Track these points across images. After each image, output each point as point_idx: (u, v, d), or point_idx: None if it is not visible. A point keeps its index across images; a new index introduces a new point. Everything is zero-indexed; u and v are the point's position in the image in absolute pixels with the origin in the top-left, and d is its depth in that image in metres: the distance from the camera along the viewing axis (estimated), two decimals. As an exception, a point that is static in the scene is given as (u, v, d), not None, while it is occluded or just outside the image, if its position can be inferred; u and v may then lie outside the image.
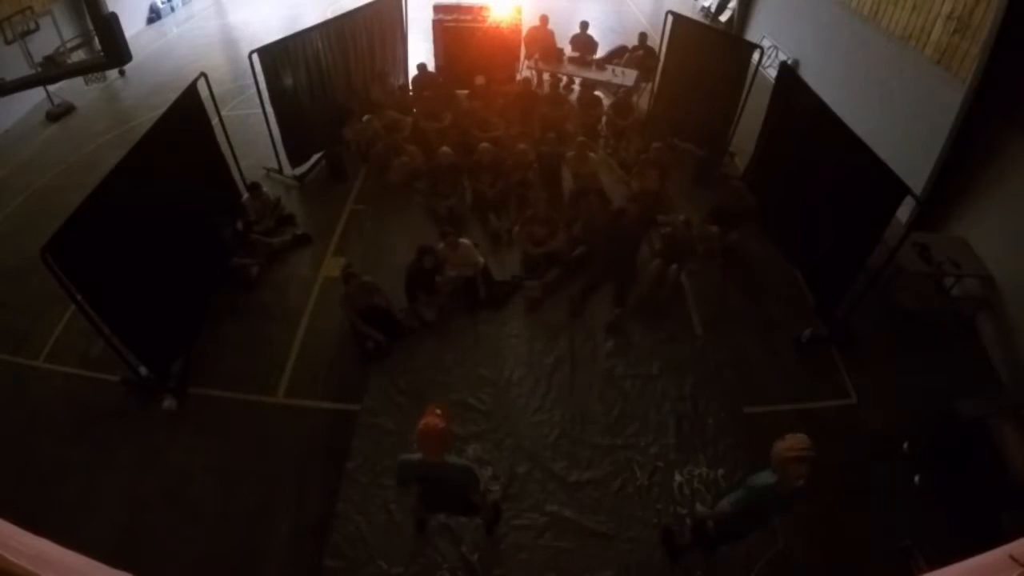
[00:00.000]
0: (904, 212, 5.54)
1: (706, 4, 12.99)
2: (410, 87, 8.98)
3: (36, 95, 9.10)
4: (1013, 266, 5.44)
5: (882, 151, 5.12)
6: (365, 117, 7.91)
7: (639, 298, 5.90)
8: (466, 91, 8.62)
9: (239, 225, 6.50)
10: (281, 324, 5.74)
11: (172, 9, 13.35)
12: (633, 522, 4.26)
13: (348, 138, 7.88)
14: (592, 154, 7.37)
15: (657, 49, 8.59)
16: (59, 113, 9.26)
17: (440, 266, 5.68)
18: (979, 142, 5.78)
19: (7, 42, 8.51)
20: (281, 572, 4.02)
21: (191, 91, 6.03)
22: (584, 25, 9.49)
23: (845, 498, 4.40)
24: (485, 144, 7.07)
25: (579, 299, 5.92)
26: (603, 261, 6.11)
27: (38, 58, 8.81)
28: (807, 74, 8.08)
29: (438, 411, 3.08)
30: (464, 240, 5.86)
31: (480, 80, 8.35)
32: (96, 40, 8.79)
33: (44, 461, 4.62)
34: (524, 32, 9.34)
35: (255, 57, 6.60)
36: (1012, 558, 1.66)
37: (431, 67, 9.10)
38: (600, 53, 9.70)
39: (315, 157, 7.90)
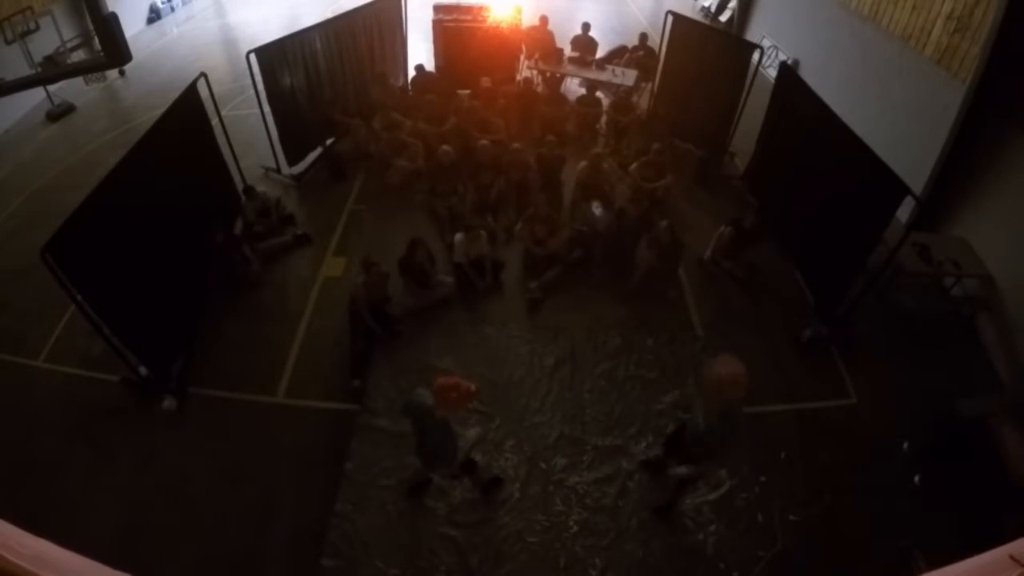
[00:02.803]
0: (904, 212, 5.54)
1: (706, 4, 12.99)
2: (410, 88, 8.99)
3: (36, 95, 9.10)
4: (1013, 266, 5.44)
5: (882, 151, 5.12)
6: (359, 121, 7.91)
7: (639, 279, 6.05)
8: (467, 91, 8.64)
9: (238, 227, 6.51)
10: (281, 324, 5.73)
11: (172, 9, 13.34)
12: (634, 523, 4.26)
13: (342, 150, 7.90)
14: (606, 165, 7.32)
15: (657, 49, 8.59)
16: (59, 113, 9.26)
17: (432, 259, 5.71)
18: (979, 142, 5.78)
19: (7, 42, 8.51)
20: (280, 572, 4.02)
21: (191, 91, 6.03)
22: (586, 27, 9.49)
23: (845, 498, 4.40)
24: (484, 142, 7.07)
25: (578, 299, 5.94)
26: (601, 259, 6.14)
27: (38, 58, 8.81)
28: (807, 74, 8.09)
29: (472, 387, 3.30)
30: (481, 231, 6.07)
31: (486, 82, 8.35)
32: (96, 40, 8.79)
33: (44, 461, 4.62)
34: (524, 32, 9.34)
35: (252, 57, 6.60)
36: (1012, 558, 1.66)
37: (431, 67, 9.11)
38: (600, 53, 9.70)
39: (313, 156, 7.90)
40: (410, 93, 8.84)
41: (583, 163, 7.00)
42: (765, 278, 6.24)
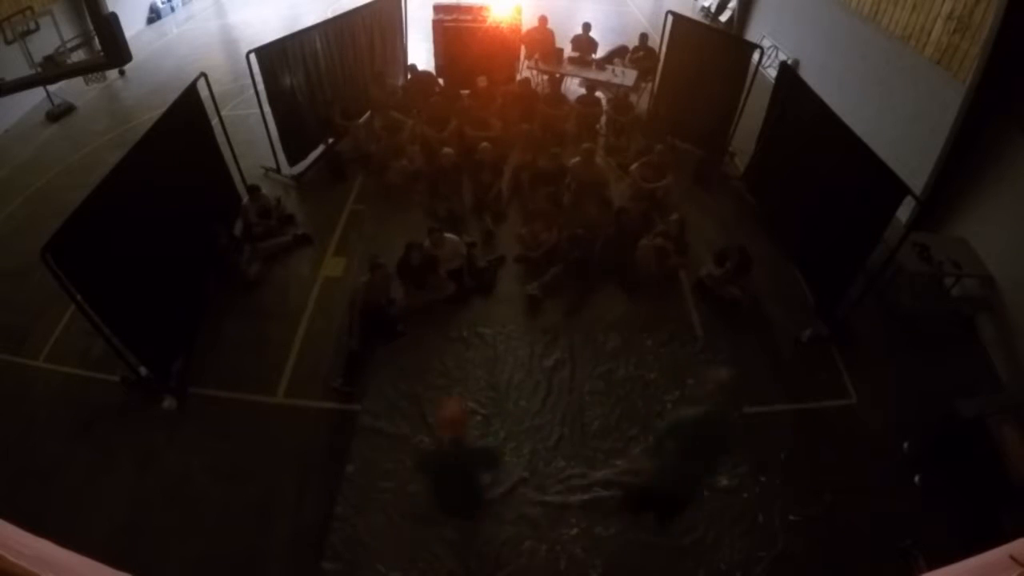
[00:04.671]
0: (904, 212, 5.54)
1: (706, 4, 12.99)
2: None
3: (36, 95, 9.09)
4: (1013, 266, 5.44)
5: (882, 151, 5.12)
6: (363, 118, 7.88)
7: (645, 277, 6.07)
8: (467, 91, 8.64)
9: (238, 228, 6.50)
10: (281, 324, 5.73)
11: (172, 9, 13.34)
12: (636, 525, 4.24)
13: (342, 150, 7.90)
14: (598, 159, 7.32)
15: (657, 49, 8.59)
16: (59, 113, 9.26)
17: (429, 262, 5.72)
18: (979, 142, 5.78)
19: (7, 42, 8.50)
20: (280, 572, 4.02)
21: (191, 91, 6.03)
22: (586, 27, 9.46)
23: (845, 498, 4.41)
24: (485, 144, 7.08)
25: (577, 299, 5.94)
26: (601, 259, 6.15)
27: (38, 58, 8.80)
28: (807, 74, 8.09)
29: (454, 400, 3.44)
30: (450, 236, 5.98)
31: (482, 82, 8.35)
32: (96, 40, 8.79)
33: (44, 461, 4.62)
34: (524, 32, 9.34)
35: (252, 57, 6.60)
36: (1012, 558, 1.65)
37: (431, 68, 9.10)
38: (600, 53, 9.70)
39: (313, 156, 7.91)
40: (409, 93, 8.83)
41: (575, 159, 7.00)
42: (756, 271, 6.05)
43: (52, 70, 8.77)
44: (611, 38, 10.77)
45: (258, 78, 6.80)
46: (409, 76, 8.91)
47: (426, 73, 8.97)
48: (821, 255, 5.77)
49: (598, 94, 8.98)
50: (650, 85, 8.91)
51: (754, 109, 7.31)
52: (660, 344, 5.56)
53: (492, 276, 6.18)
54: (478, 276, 6.10)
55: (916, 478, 4.55)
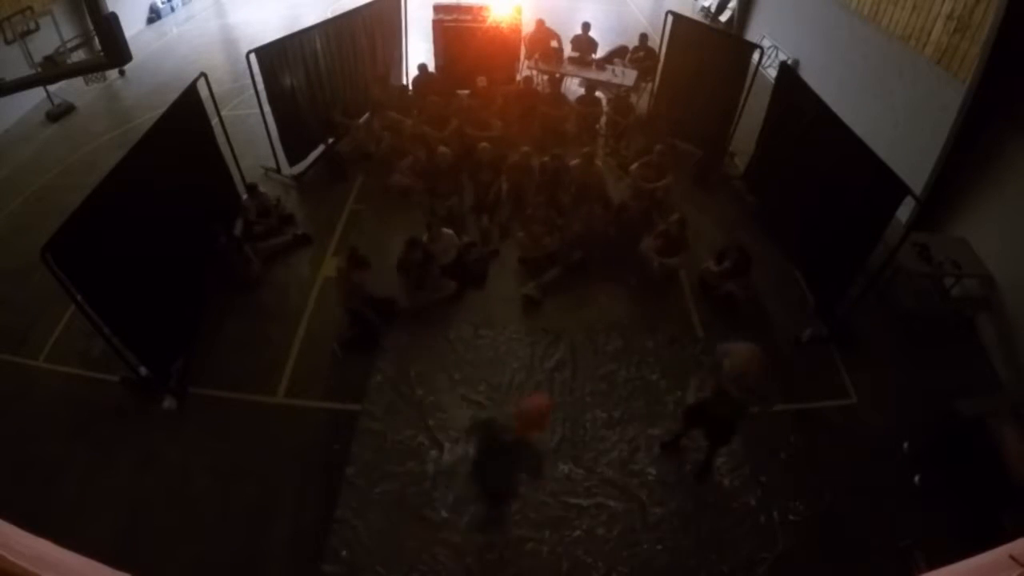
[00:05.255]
0: (904, 212, 5.54)
1: (706, 4, 13.00)
2: (410, 88, 8.98)
3: (36, 95, 9.09)
4: (1013, 266, 5.44)
5: (882, 151, 5.12)
6: (363, 118, 7.86)
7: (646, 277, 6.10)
8: (467, 91, 8.64)
9: (238, 227, 6.49)
10: (281, 324, 5.73)
11: (172, 9, 13.34)
12: (637, 526, 4.25)
13: (343, 150, 7.91)
14: (598, 162, 7.34)
15: (657, 49, 8.59)
16: (59, 113, 9.26)
17: (429, 259, 5.74)
18: (979, 142, 5.78)
19: (7, 42, 8.50)
20: (280, 572, 4.01)
21: (191, 91, 6.02)
22: (586, 27, 9.47)
23: (845, 498, 4.41)
24: (484, 144, 7.08)
25: (577, 300, 5.94)
26: (602, 259, 6.16)
27: (38, 58, 8.80)
28: (807, 74, 8.09)
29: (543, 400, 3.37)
30: (445, 230, 6.04)
31: (482, 81, 8.35)
32: (96, 40, 8.78)
33: (44, 461, 4.61)
34: (524, 32, 9.34)
35: (252, 57, 6.60)
36: (1012, 558, 1.66)
37: (431, 68, 9.10)
38: (600, 53, 9.70)
39: (313, 156, 7.91)
40: (410, 93, 8.83)
41: (574, 161, 7.00)
42: (756, 271, 6.03)
43: (52, 70, 8.76)
44: (611, 38, 10.78)
45: (258, 78, 6.81)
46: (415, 75, 8.90)
47: (433, 74, 8.96)
48: (821, 255, 5.76)
49: (598, 94, 8.98)
50: (650, 85, 8.92)
51: (754, 109, 7.31)
52: (661, 346, 5.55)
53: (483, 267, 6.22)
54: (471, 266, 6.12)
55: (916, 478, 4.55)
